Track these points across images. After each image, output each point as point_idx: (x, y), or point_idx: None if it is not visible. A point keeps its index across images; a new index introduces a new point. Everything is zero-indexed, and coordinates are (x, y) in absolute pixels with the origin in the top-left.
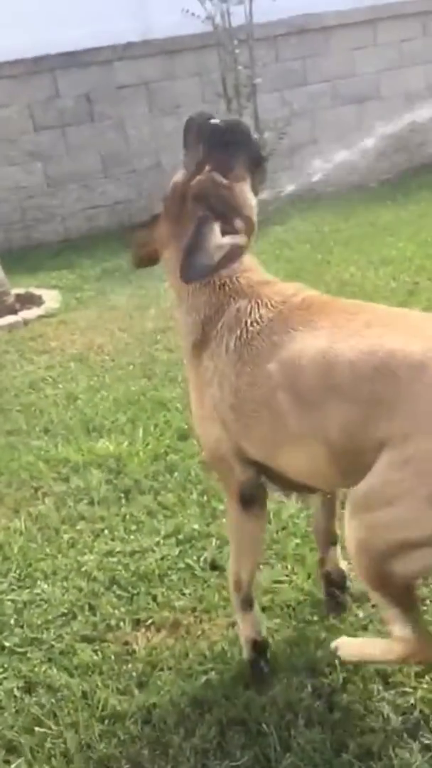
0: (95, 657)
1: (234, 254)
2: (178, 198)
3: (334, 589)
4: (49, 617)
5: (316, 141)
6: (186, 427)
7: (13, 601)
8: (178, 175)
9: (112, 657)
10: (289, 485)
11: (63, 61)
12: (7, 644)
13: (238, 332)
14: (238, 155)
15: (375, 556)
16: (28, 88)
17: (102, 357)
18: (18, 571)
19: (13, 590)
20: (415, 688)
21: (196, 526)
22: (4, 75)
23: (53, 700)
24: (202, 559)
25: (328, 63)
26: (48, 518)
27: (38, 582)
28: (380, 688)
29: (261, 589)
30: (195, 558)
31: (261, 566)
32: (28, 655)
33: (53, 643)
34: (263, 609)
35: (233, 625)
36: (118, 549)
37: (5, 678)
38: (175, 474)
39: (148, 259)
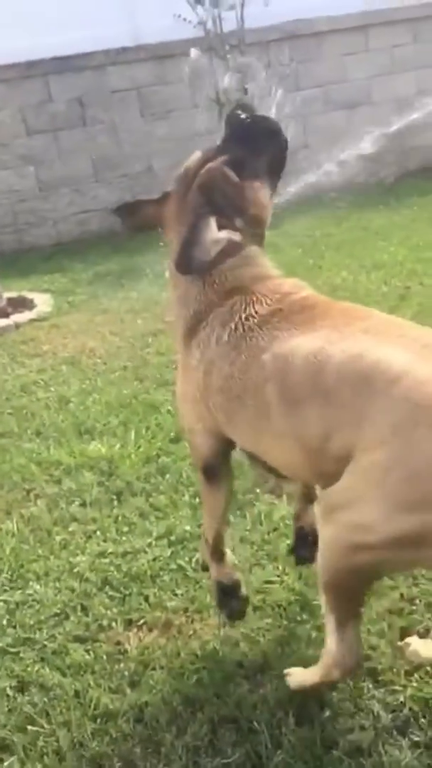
0: (87, 657)
1: (231, 249)
2: (187, 182)
3: (301, 544)
4: (42, 617)
5: (308, 146)
6: (177, 429)
7: (5, 601)
8: (193, 159)
9: (105, 657)
10: (268, 469)
11: (56, 65)
12: None
13: (233, 325)
14: (258, 153)
15: (335, 556)
16: (20, 92)
17: (94, 360)
18: (10, 572)
19: (5, 591)
20: (404, 686)
21: (187, 528)
22: None
23: (46, 699)
24: (193, 560)
25: (319, 68)
26: (40, 520)
27: (30, 583)
28: (370, 686)
29: (252, 589)
30: (187, 559)
31: (252, 567)
32: (21, 654)
33: (46, 643)
34: (254, 609)
35: (225, 624)
36: (110, 550)
37: None
38: (167, 476)
39: (142, 228)
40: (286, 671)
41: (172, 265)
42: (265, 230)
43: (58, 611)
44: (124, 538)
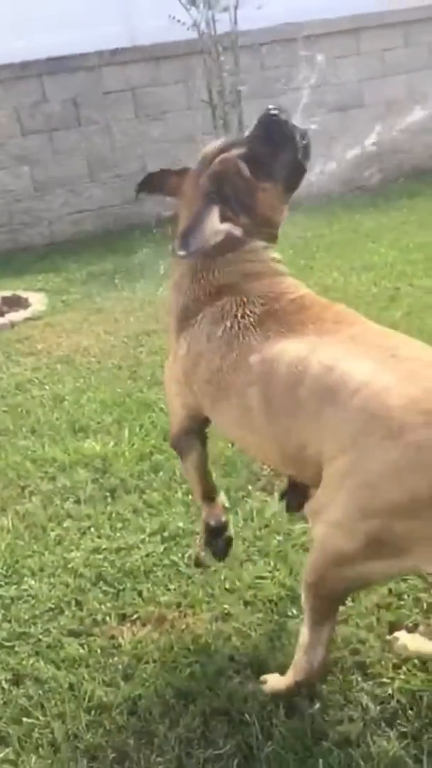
0: (82, 650)
1: (231, 244)
2: (204, 166)
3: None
4: (37, 612)
5: None
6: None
7: (0, 596)
8: (214, 145)
9: (99, 650)
10: None
11: (50, 66)
12: None
13: (228, 323)
14: (278, 155)
15: (320, 559)
16: (15, 93)
17: (88, 359)
18: (5, 568)
19: (0, 586)
20: (392, 679)
21: (180, 524)
22: None
23: (41, 692)
24: (186, 556)
25: (311, 71)
26: (35, 516)
27: (25, 578)
28: (359, 679)
29: (244, 584)
30: (180, 555)
31: (244, 563)
32: (16, 648)
33: (40, 637)
34: (246, 604)
35: (217, 619)
36: (104, 546)
37: None
38: (161, 473)
39: (153, 191)
40: (262, 678)
41: (173, 245)
42: (277, 231)
43: (53, 606)
44: (117, 534)
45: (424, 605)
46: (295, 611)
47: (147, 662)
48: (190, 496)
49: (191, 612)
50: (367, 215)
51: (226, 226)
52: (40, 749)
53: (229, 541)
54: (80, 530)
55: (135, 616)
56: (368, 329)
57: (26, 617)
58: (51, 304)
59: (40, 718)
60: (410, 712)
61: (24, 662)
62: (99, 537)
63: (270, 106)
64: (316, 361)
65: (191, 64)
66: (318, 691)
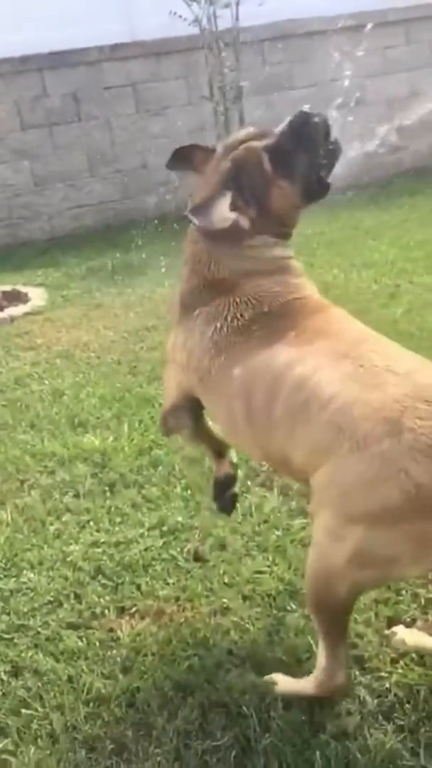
0: (80, 643)
1: (236, 232)
2: (229, 150)
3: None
4: (36, 605)
5: None
6: None
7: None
8: (244, 131)
9: (97, 643)
10: None
11: (51, 60)
12: None
13: (218, 325)
14: (304, 157)
15: (316, 574)
16: (15, 87)
17: (87, 354)
18: (4, 561)
19: None
20: (390, 673)
21: (179, 519)
22: None
23: (39, 684)
24: (185, 550)
25: (312, 68)
26: (34, 510)
27: (24, 571)
28: (357, 673)
29: (243, 579)
30: (178, 549)
31: (243, 558)
32: (15, 641)
33: (39, 629)
34: (244, 598)
35: (216, 613)
36: (103, 540)
37: None
38: (160, 468)
39: (181, 166)
40: (268, 678)
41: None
42: (290, 229)
43: (52, 599)
44: (116, 528)
45: (422, 601)
46: (293, 605)
47: (145, 655)
48: (189, 491)
49: (190, 606)
50: (368, 213)
51: (233, 215)
52: (39, 740)
53: (234, 497)
54: (79, 524)
55: (134, 610)
56: (343, 338)
57: (25, 610)
58: (51, 299)
59: (39, 709)
60: (407, 705)
61: (23, 654)
62: (98, 531)
63: (305, 107)
64: (290, 378)
65: (192, 60)
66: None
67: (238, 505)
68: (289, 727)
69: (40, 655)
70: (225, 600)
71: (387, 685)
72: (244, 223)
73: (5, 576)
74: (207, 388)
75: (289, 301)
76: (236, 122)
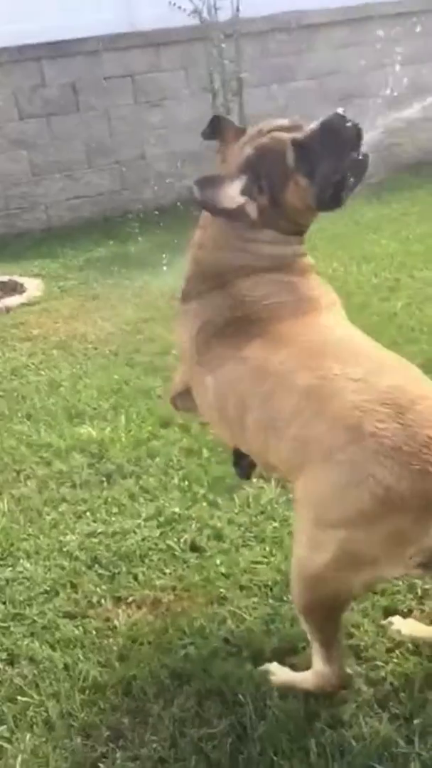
0: (77, 632)
1: (241, 219)
2: (255, 136)
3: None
4: (32, 594)
5: None
6: (168, 415)
7: None
8: (276, 121)
9: (94, 632)
10: None
11: (49, 50)
12: None
13: (201, 323)
14: (330, 160)
15: (301, 580)
16: (13, 76)
17: (85, 345)
18: (0, 550)
19: None
20: (386, 662)
21: (176, 510)
22: None
23: (35, 672)
24: (182, 540)
25: (314, 60)
26: (30, 500)
27: (21, 561)
28: (353, 662)
29: (240, 569)
30: (175, 539)
31: (240, 548)
32: (11, 629)
33: (36, 618)
34: (241, 588)
35: (212, 603)
36: (99, 530)
37: None
38: (157, 459)
39: (215, 136)
40: (264, 668)
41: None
42: (303, 228)
43: (48, 588)
44: (113, 518)
45: (419, 591)
46: (290, 596)
47: (142, 644)
48: (186, 482)
49: (186, 595)
50: (369, 207)
51: (242, 199)
52: (35, 727)
53: (252, 464)
54: (76, 514)
55: (130, 599)
56: (306, 346)
57: (21, 599)
58: (48, 289)
59: (35, 697)
60: (402, 694)
61: (19, 643)
62: (94, 521)
63: (339, 109)
64: (256, 393)
65: (192, 51)
66: None
67: (235, 496)
68: (285, 715)
69: (36, 644)
70: (222, 590)
71: (383, 674)
72: (253, 211)
73: (1, 565)
74: (192, 385)
75: (269, 304)
76: (236, 114)
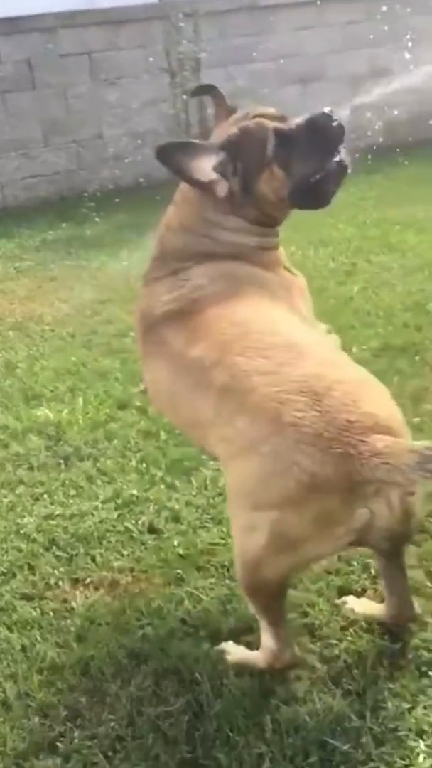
0: (34, 613)
1: (208, 191)
2: (240, 119)
3: None
4: None
5: None
6: (125, 397)
7: None
8: (265, 109)
9: (51, 613)
10: None
11: (4, 26)
12: None
13: (147, 309)
14: (309, 157)
15: (242, 563)
16: None
17: (42, 327)
18: None
19: None
20: (340, 640)
21: (134, 492)
22: None
23: None
24: (140, 522)
25: (273, 42)
26: None
27: None
28: (308, 640)
29: (197, 550)
30: (133, 521)
31: (197, 530)
32: None
33: None
34: (198, 569)
35: (170, 584)
36: (57, 512)
37: None
38: (114, 441)
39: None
40: (221, 647)
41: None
42: (271, 219)
43: (5, 570)
44: (71, 501)
45: (372, 571)
46: None
47: (99, 624)
48: (144, 464)
49: (144, 577)
50: None
51: (214, 175)
52: None
53: None
54: (33, 497)
55: (88, 581)
56: (221, 339)
57: None
58: (3, 270)
59: None
60: (356, 671)
61: None
62: (52, 503)
63: (327, 108)
64: (177, 393)
65: (151, 30)
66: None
67: (192, 478)
68: (241, 693)
69: None
70: (179, 571)
71: (336, 652)
72: (222, 189)
73: None
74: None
75: (205, 294)
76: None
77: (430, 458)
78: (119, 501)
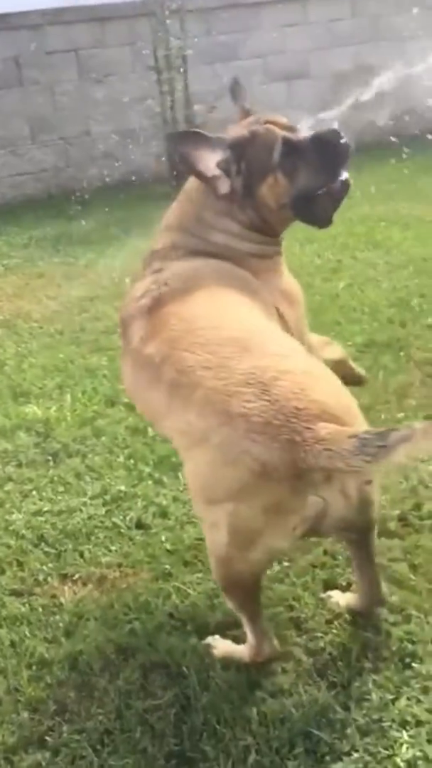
0: (23, 609)
1: (210, 185)
2: (252, 123)
3: None
4: None
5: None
6: (113, 394)
7: None
8: (278, 117)
9: (40, 609)
10: None
11: None
12: None
13: (122, 309)
14: (313, 171)
15: (213, 561)
16: None
17: (30, 324)
18: None
19: None
20: (325, 633)
21: (122, 488)
22: None
23: None
24: (128, 518)
25: (259, 39)
26: None
27: None
28: (293, 633)
29: (184, 546)
30: (121, 517)
31: (184, 525)
32: None
33: None
34: (186, 564)
35: (158, 579)
36: (46, 509)
37: None
38: (103, 438)
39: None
40: (207, 640)
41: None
42: (270, 227)
43: None
44: (59, 497)
45: None
46: None
47: (88, 620)
48: (132, 461)
49: (132, 572)
50: None
51: (217, 171)
52: None
53: None
54: (22, 493)
55: (76, 576)
56: (170, 336)
57: None
58: None
59: None
60: (340, 663)
61: None
62: (41, 500)
63: (335, 125)
64: (135, 391)
65: (137, 27)
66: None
67: (179, 474)
68: (227, 686)
69: None
70: (166, 566)
71: (322, 645)
72: (224, 186)
73: None
74: None
75: (174, 288)
76: (180, 91)
77: (369, 442)
78: (107, 497)
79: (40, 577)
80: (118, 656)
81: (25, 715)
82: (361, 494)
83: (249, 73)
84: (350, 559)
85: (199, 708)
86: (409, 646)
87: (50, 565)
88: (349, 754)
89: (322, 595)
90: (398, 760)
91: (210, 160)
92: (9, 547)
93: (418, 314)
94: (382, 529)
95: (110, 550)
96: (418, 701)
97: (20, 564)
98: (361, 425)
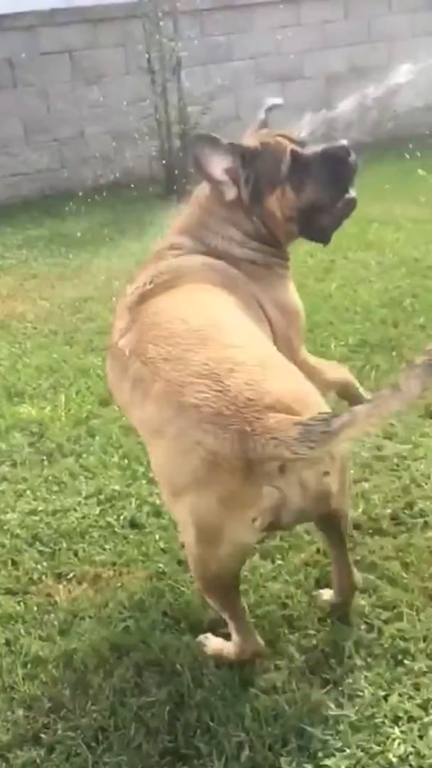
0: (18, 608)
1: (218, 189)
2: (264, 135)
3: None
4: None
5: (240, 117)
6: (107, 394)
7: None
8: (290, 131)
9: (35, 608)
10: None
11: None
12: None
13: (115, 309)
14: (322, 185)
15: (191, 561)
16: None
17: (24, 324)
18: None
19: None
20: (318, 631)
21: (116, 487)
22: None
23: None
24: (122, 517)
25: (252, 40)
26: None
27: None
28: (286, 631)
29: (178, 545)
30: (115, 516)
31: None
32: None
33: None
34: (179, 563)
35: (152, 577)
36: (40, 508)
37: None
38: (97, 438)
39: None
40: (199, 638)
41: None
42: (274, 239)
43: None
44: (54, 497)
45: None
46: None
47: (82, 618)
48: (126, 460)
49: (126, 571)
50: None
51: (224, 177)
52: None
53: None
54: (16, 493)
55: (71, 575)
56: (138, 330)
57: None
58: None
59: None
60: (333, 660)
61: None
62: (35, 499)
63: (344, 141)
64: (114, 382)
65: (131, 28)
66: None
67: None
68: (221, 683)
69: None
70: (160, 565)
71: (314, 642)
72: (230, 192)
73: None
74: None
75: (158, 283)
76: (174, 92)
77: (313, 429)
78: (101, 496)
79: (35, 576)
80: (112, 654)
81: (20, 712)
82: (318, 486)
83: (242, 74)
84: None
85: (193, 705)
86: (401, 643)
87: (45, 564)
88: (341, 750)
89: (315, 593)
90: (390, 755)
91: (219, 165)
92: (3, 546)
93: (411, 314)
94: (374, 528)
95: (104, 549)
96: (410, 697)
97: (15, 563)
98: None
